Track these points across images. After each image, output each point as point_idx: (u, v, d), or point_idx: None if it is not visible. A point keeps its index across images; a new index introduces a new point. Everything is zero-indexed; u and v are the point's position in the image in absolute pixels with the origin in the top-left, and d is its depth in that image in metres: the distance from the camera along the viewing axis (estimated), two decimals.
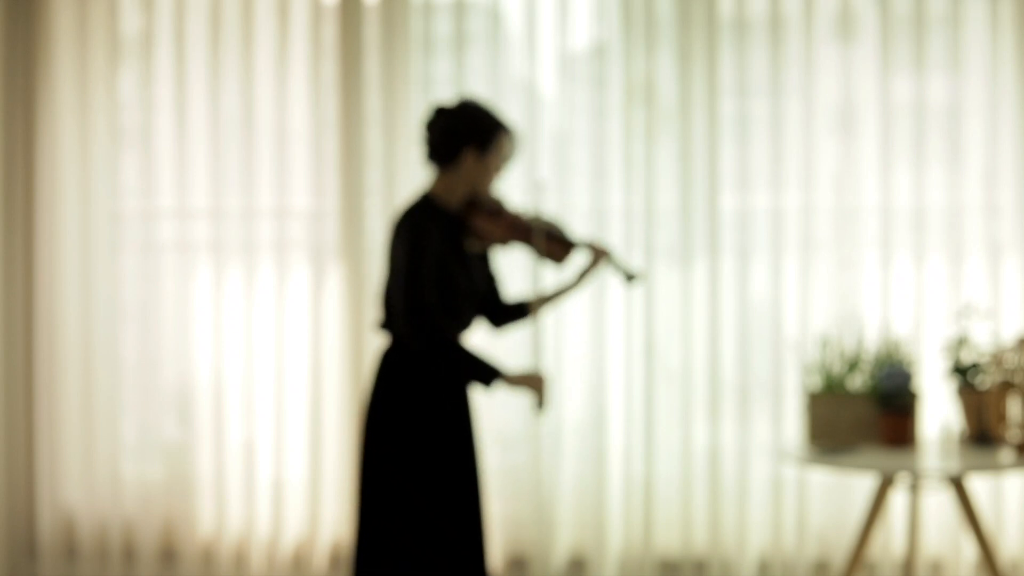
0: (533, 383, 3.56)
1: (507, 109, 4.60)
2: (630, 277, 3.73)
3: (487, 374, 3.49)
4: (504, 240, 3.64)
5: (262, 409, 4.71)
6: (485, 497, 3.59)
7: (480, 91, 4.61)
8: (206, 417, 4.73)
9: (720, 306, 4.58)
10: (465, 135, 3.55)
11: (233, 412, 4.72)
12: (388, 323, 3.55)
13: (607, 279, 4.59)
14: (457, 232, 3.58)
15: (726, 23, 4.59)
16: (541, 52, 4.65)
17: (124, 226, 4.77)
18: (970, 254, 4.56)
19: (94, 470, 4.75)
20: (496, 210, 3.65)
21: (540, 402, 3.59)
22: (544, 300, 3.77)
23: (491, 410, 4.66)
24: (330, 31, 4.70)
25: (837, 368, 3.91)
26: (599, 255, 3.71)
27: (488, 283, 3.71)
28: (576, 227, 4.60)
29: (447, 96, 4.59)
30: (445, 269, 3.50)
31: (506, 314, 3.78)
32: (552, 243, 3.68)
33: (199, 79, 4.71)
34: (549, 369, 4.62)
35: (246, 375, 4.71)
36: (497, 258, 3.81)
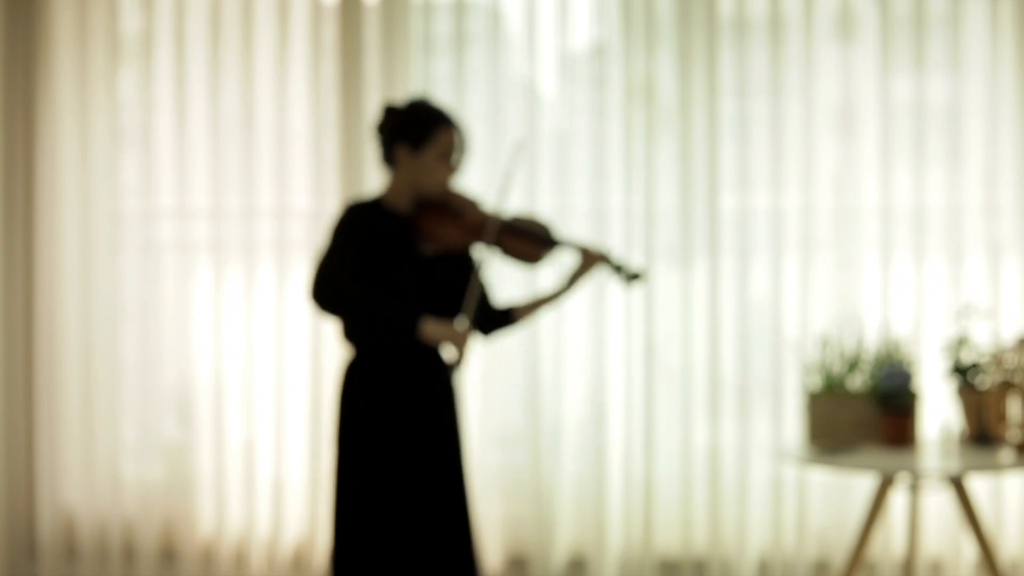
0: (454, 338, 3.42)
1: (507, 109, 4.60)
2: (632, 277, 3.59)
3: (403, 322, 3.36)
4: (461, 242, 3.48)
5: (262, 409, 4.71)
6: (469, 499, 3.49)
7: (480, 91, 4.61)
8: (206, 417, 4.73)
9: (720, 306, 4.58)
10: (396, 132, 3.47)
11: (233, 412, 4.72)
12: (349, 333, 3.47)
13: (606, 280, 4.59)
14: (410, 235, 3.46)
15: (726, 23, 4.59)
16: (541, 52, 4.65)
17: (124, 226, 4.77)
18: (970, 254, 4.56)
19: (94, 470, 4.75)
20: (453, 211, 3.50)
21: (458, 359, 3.43)
22: (532, 306, 3.63)
23: (491, 410, 4.66)
24: (330, 31, 4.70)
25: (837, 368, 3.91)
26: (591, 259, 3.56)
27: (457, 289, 3.52)
28: (575, 228, 4.60)
29: (447, 96, 4.61)
30: (378, 264, 3.40)
31: (493, 321, 3.64)
32: (521, 243, 3.52)
33: (199, 79, 4.71)
34: (548, 368, 4.62)
35: (246, 375, 4.71)
36: (486, 264, 3.60)
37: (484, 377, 4.65)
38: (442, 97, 4.59)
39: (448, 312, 3.52)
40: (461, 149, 3.51)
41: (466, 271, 3.55)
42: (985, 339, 4.04)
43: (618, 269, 3.58)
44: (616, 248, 4.59)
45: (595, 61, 4.65)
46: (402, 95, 4.62)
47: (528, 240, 3.53)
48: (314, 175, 4.69)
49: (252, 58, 4.70)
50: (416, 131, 3.45)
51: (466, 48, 4.66)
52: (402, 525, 3.39)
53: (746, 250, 4.59)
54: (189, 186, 4.73)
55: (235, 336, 4.72)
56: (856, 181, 4.57)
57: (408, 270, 3.45)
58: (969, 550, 4.47)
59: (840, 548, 4.53)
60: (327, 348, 4.67)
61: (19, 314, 4.75)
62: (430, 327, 3.39)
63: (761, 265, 4.60)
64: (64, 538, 4.76)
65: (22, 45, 4.73)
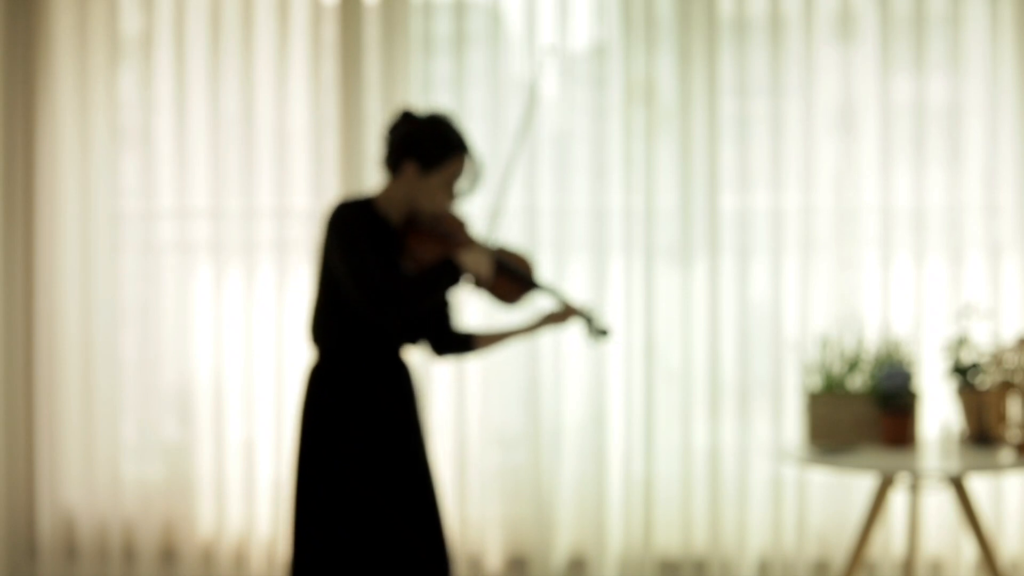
0: (486, 260, 3.33)
1: (507, 109, 4.60)
2: (600, 333, 3.49)
3: (446, 272, 3.29)
4: None
5: (262, 409, 4.71)
6: (436, 504, 3.38)
7: (480, 91, 4.61)
8: (206, 417, 4.73)
9: (720, 306, 4.58)
10: (410, 147, 3.32)
11: (233, 412, 4.72)
12: (315, 336, 3.37)
13: (607, 279, 4.59)
14: (394, 248, 3.35)
15: (726, 23, 4.59)
16: (541, 52, 4.65)
17: (124, 226, 4.77)
18: (970, 254, 4.56)
19: (94, 470, 4.75)
20: (441, 234, 3.37)
21: (484, 278, 3.33)
22: (495, 338, 3.52)
23: (491, 410, 4.66)
24: (330, 31, 4.70)
25: (837, 368, 3.91)
26: (568, 312, 3.47)
27: (432, 310, 3.45)
28: (575, 227, 4.61)
29: (447, 96, 4.60)
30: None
31: (451, 342, 3.51)
32: (501, 280, 3.40)
33: (199, 79, 4.71)
34: (548, 368, 4.62)
35: (246, 375, 4.71)
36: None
37: (484, 377, 4.65)
38: (442, 97, 4.60)
39: (421, 329, 3.45)
40: (472, 178, 3.39)
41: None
42: (985, 339, 4.04)
43: (589, 323, 3.50)
44: (615, 248, 4.60)
45: (595, 61, 4.65)
46: (402, 95, 4.62)
47: (509, 279, 3.42)
48: (314, 175, 4.69)
49: (252, 58, 4.70)
50: (431, 153, 3.31)
51: (466, 48, 4.66)
52: (376, 530, 3.29)
53: (746, 250, 4.59)
54: (189, 186, 4.73)
55: (235, 336, 4.72)
56: (856, 181, 4.57)
57: None
58: (969, 550, 4.47)
59: (840, 548, 4.53)
60: None
61: (19, 314, 4.75)
62: (466, 257, 3.30)
63: (761, 265, 4.60)
64: (64, 538, 4.76)
65: (22, 45, 4.73)
